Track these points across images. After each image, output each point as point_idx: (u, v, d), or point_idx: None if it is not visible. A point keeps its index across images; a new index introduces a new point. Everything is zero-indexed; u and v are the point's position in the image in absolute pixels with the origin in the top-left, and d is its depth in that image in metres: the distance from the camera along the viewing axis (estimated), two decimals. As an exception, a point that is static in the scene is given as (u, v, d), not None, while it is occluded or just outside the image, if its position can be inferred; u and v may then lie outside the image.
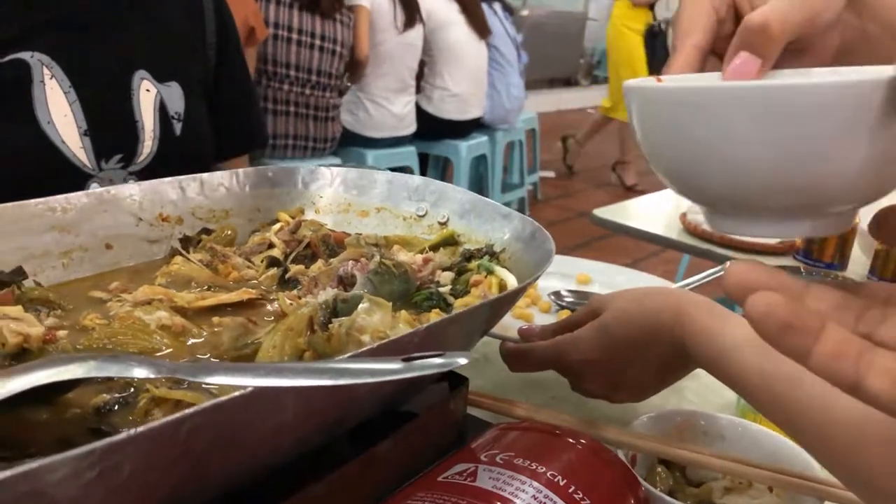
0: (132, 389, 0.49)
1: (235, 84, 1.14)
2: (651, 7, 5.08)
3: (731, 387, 0.63)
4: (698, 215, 1.63)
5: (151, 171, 0.95)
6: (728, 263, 0.32)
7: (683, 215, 1.66)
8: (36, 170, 0.87)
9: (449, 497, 0.53)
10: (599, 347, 0.69)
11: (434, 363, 0.37)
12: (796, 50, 0.41)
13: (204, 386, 0.48)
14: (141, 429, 0.34)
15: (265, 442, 0.44)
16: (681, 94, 0.34)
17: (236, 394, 0.38)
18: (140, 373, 0.41)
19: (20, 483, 0.31)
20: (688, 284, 0.96)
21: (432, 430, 0.63)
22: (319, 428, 0.49)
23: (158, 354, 0.57)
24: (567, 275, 1.03)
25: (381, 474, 0.56)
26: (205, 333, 0.59)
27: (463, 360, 0.38)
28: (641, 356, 0.69)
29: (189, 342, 0.59)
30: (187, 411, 0.36)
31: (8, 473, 0.31)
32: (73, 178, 0.89)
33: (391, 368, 0.37)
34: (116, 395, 0.49)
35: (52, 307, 0.61)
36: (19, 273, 0.63)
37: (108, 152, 0.92)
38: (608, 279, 1.03)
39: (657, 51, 4.84)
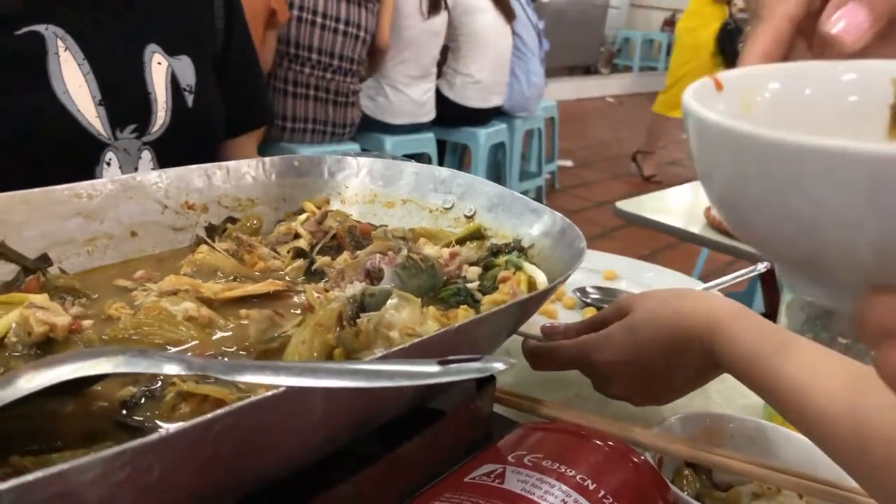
0: (159, 383, 0.49)
1: (243, 60, 1.15)
2: (728, 2, 4.82)
3: (761, 396, 0.62)
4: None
5: (166, 142, 0.98)
6: (870, 297, 0.25)
7: (708, 209, 1.64)
8: (55, 139, 0.88)
9: (476, 499, 0.52)
10: (626, 349, 0.68)
11: (471, 367, 0.36)
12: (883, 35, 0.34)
13: (234, 383, 0.47)
14: (172, 429, 0.34)
15: (293, 441, 0.43)
16: (765, 145, 0.26)
17: (268, 393, 0.37)
18: (170, 369, 0.40)
19: (52, 484, 0.31)
20: (719, 285, 0.94)
21: (459, 428, 0.62)
22: (347, 427, 0.48)
23: (184, 346, 0.56)
24: (593, 270, 1.02)
25: (407, 473, 0.56)
26: (231, 326, 0.58)
27: (501, 366, 0.37)
28: (669, 360, 0.68)
29: (215, 335, 0.58)
30: (219, 412, 0.36)
31: (40, 475, 0.30)
32: (90, 148, 0.91)
33: (428, 372, 0.36)
34: (143, 388, 0.49)
35: (78, 295, 0.60)
36: (44, 260, 0.63)
37: (122, 122, 0.94)
38: (635, 276, 1.02)
39: (728, 49, 4.63)
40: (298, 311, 0.62)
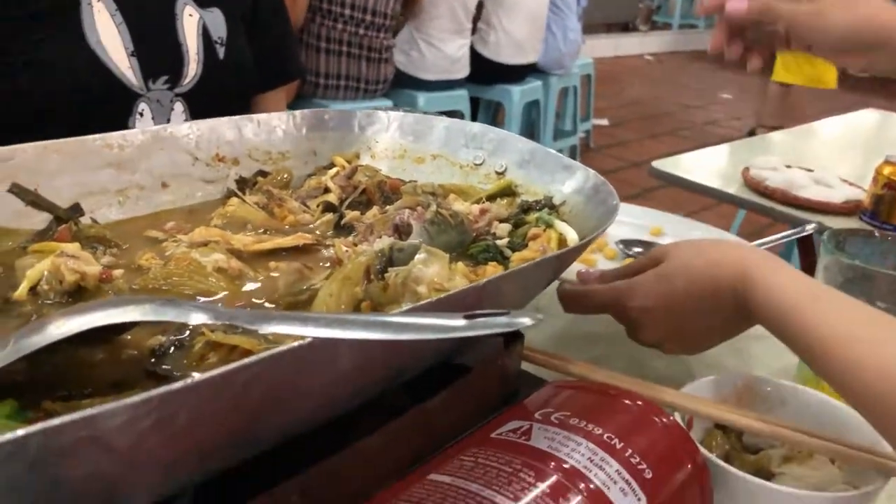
0: (188, 332, 0.49)
1: (273, 14, 1.15)
2: None
3: (791, 347, 0.61)
4: (762, 171, 1.58)
5: (197, 94, 0.99)
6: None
7: (746, 170, 1.60)
8: (89, 89, 0.89)
9: (502, 455, 0.52)
10: (658, 295, 0.68)
11: (498, 322, 0.35)
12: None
13: (260, 332, 0.47)
14: (199, 377, 0.34)
15: (320, 393, 0.43)
16: None
17: (295, 344, 0.37)
18: (198, 318, 0.40)
19: (80, 428, 0.31)
20: (765, 244, 0.93)
21: (486, 384, 0.62)
22: (374, 380, 0.48)
23: (214, 298, 0.56)
24: (639, 225, 1.01)
25: (433, 428, 0.56)
26: (260, 278, 0.58)
27: (528, 321, 0.36)
28: (700, 308, 0.67)
29: (245, 287, 0.58)
30: (245, 361, 0.36)
31: (68, 418, 0.30)
32: (123, 98, 0.92)
33: (454, 325, 0.35)
34: (172, 337, 0.49)
35: (109, 245, 0.61)
36: (76, 210, 0.63)
37: (154, 73, 0.94)
38: (682, 233, 1.00)
39: None
40: (327, 265, 0.62)
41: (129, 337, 0.49)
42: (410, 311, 0.43)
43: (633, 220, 1.00)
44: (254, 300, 0.56)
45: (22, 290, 0.52)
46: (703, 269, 0.66)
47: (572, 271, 0.77)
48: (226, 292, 0.57)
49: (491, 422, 0.57)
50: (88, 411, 0.31)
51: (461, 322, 0.35)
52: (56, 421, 0.30)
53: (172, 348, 0.48)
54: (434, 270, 0.56)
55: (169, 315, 0.42)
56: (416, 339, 0.36)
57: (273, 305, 0.56)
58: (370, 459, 0.50)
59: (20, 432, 0.29)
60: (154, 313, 0.42)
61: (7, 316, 0.51)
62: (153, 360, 0.48)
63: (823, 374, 0.59)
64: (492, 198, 0.75)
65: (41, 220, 0.61)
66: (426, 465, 0.52)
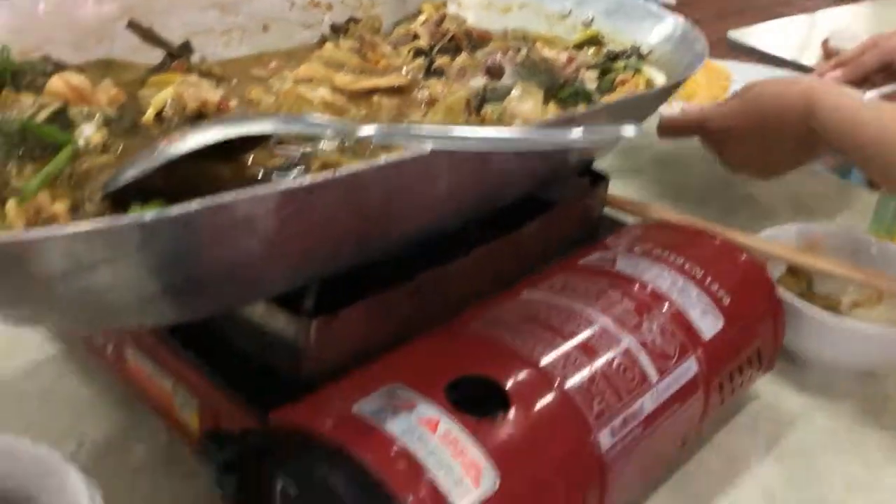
0: (307, 152, 0.53)
1: None
2: None
3: (855, 159, 0.71)
4: (843, 41, 1.53)
5: None
6: None
7: (825, 42, 1.55)
8: None
9: (590, 278, 0.56)
10: (738, 115, 0.78)
11: (609, 128, 0.38)
12: None
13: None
14: (339, 173, 0.37)
15: (426, 206, 0.47)
16: None
17: (408, 155, 0.40)
18: (323, 131, 0.44)
19: (238, 208, 0.35)
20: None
21: (570, 221, 0.65)
22: (472, 202, 0.52)
23: (320, 130, 0.60)
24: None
25: (520, 256, 0.60)
26: (363, 113, 0.62)
27: (633, 130, 0.38)
28: (774, 129, 0.75)
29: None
30: (372, 163, 0.39)
31: (228, 198, 0.34)
32: None
33: (570, 136, 0.38)
34: (293, 156, 0.53)
35: (219, 79, 0.64)
36: (187, 48, 0.67)
37: None
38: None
39: None
40: (423, 106, 0.64)
41: (251, 156, 0.53)
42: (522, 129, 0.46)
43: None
44: (357, 134, 0.59)
45: (149, 115, 0.56)
46: (774, 92, 0.76)
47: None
48: (330, 126, 0.60)
49: (576, 254, 0.60)
50: (247, 192, 0.35)
51: (578, 130, 0.37)
52: (218, 199, 0.34)
53: (293, 167, 0.52)
54: (528, 107, 0.58)
55: (297, 127, 0.46)
56: (537, 147, 0.39)
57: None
58: (469, 275, 0.54)
59: (193, 205, 0.33)
60: (285, 124, 0.46)
61: (138, 137, 0.55)
62: (276, 175, 0.52)
63: (886, 180, 0.64)
64: (578, 47, 0.76)
65: (155, 56, 0.65)
66: (518, 286, 0.56)
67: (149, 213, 0.32)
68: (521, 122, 0.57)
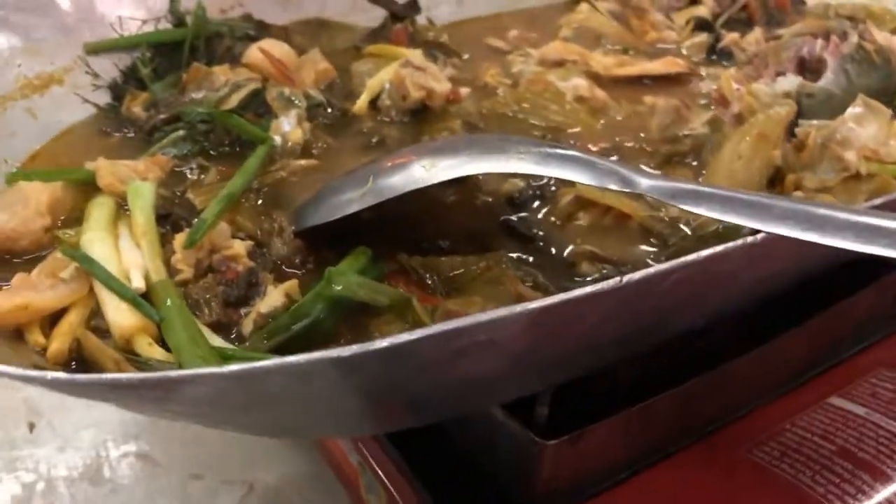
0: (551, 180, 0.40)
1: None
2: None
3: None
4: None
5: None
6: None
7: None
8: None
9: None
10: None
11: None
12: None
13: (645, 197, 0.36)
14: (627, 278, 0.24)
15: (736, 292, 0.33)
16: None
17: (748, 240, 0.27)
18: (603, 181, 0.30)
19: (482, 331, 0.23)
20: None
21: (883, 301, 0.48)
22: (790, 279, 0.36)
23: (568, 132, 0.46)
24: None
25: (829, 338, 0.44)
26: (624, 114, 0.47)
27: None
28: None
29: (601, 122, 0.47)
30: (682, 260, 0.26)
31: (468, 322, 0.23)
32: None
33: None
34: (533, 182, 0.40)
35: (448, 54, 0.52)
36: (413, 6, 0.54)
37: None
38: None
39: None
40: (707, 103, 0.49)
41: (480, 177, 0.40)
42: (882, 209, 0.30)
43: None
44: (618, 139, 0.45)
45: (362, 103, 0.45)
46: None
47: None
48: (579, 127, 0.46)
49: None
50: (487, 315, 0.23)
51: None
52: (455, 323, 0.23)
53: (533, 197, 0.40)
54: (870, 132, 0.41)
55: (553, 170, 0.32)
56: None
57: (645, 151, 0.44)
58: (758, 373, 0.40)
59: (417, 334, 0.22)
60: (536, 166, 0.32)
61: (347, 132, 0.44)
62: (510, 208, 0.39)
63: None
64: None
65: (376, 16, 0.54)
66: (819, 381, 0.41)
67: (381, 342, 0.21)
68: (853, 155, 0.40)
